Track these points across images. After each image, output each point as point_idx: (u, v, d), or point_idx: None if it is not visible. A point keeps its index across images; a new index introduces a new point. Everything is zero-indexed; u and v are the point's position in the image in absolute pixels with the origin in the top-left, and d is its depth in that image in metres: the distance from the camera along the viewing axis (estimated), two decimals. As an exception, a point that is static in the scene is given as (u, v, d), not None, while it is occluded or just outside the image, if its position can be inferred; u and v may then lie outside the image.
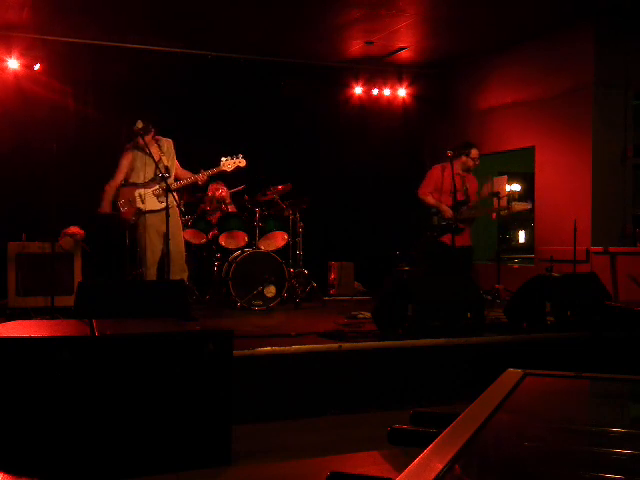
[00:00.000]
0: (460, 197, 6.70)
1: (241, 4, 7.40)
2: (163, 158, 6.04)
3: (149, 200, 6.14)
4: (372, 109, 9.94)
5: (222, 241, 7.48)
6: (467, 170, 6.88)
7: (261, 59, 9.11)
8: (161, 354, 3.50)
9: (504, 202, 7.07)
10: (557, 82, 8.14)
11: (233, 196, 8.08)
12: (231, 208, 7.91)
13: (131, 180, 6.20)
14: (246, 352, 4.41)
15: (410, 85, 9.98)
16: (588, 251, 7.48)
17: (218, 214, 7.70)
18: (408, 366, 4.87)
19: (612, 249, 7.21)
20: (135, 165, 6.19)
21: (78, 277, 6.83)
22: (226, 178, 7.51)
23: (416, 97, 10.00)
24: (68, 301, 6.16)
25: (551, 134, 8.26)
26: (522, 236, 11.74)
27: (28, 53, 8.03)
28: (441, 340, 5.00)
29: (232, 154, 6.41)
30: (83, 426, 3.29)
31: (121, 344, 3.46)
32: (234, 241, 7.51)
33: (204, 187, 7.71)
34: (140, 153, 6.19)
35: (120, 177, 6.22)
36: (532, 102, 8.51)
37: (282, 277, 7.20)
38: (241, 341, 4.48)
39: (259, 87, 9.08)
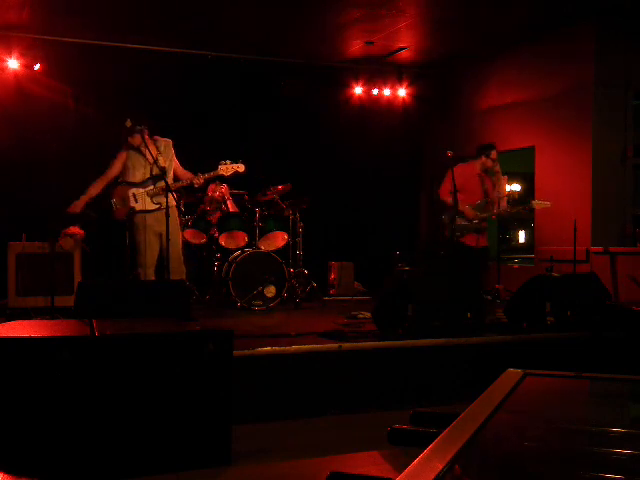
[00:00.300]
0: (480, 197, 6.71)
1: (241, 4, 7.40)
2: (160, 158, 6.03)
3: (143, 200, 6.15)
4: (372, 109, 9.94)
5: (222, 241, 7.48)
6: (486, 171, 6.88)
7: (261, 59, 9.11)
8: (161, 354, 3.50)
9: (504, 202, 7.07)
10: (557, 82, 8.14)
11: (233, 196, 8.08)
12: (232, 208, 7.90)
13: (127, 179, 6.21)
14: (246, 352, 4.41)
15: (410, 85, 9.98)
16: (588, 251, 7.48)
17: (218, 214, 7.70)
18: (408, 366, 4.86)
19: (612, 249, 7.20)
20: (129, 165, 6.20)
21: (78, 277, 6.83)
22: (227, 179, 7.50)
23: (416, 97, 10.00)
24: (68, 301, 6.16)
25: (551, 134, 8.26)
26: (522, 236, 11.75)
27: (28, 53, 8.04)
28: (441, 340, 5.00)
29: (231, 155, 6.40)
30: (83, 426, 3.29)
31: (121, 344, 3.46)
32: (234, 241, 7.51)
33: (204, 187, 7.72)
34: (135, 153, 6.20)
35: (108, 176, 6.22)
36: (532, 102, 8.50)
37: (282, 277, 7.20)
38: (241, 341, 4.48)
39: (259, 87, 9.08)
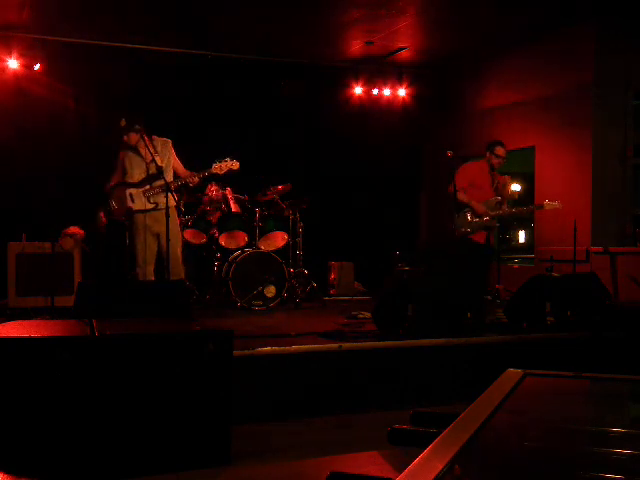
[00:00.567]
0: (491, 195, 6.70)
1: (241, 4, 7.39)
2: (157, 158, 6.03)
3: (139, 200, 6.15)
4: (372, 109, 9.94)
5: (222, 241, 7.48)
6: (492, 168, 6.83)
7: (261, 59, 9.11)
8: (161, 354, 3.50)
9: (505, 203, 7.05)
10: (557, 82, 8.14)
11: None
12: (235, 209, 7.90)
13: (125, 179, 6.22)
14: (246, 352, 4.41)
15: (410, 85, 9.97)
16: (588, 251, 7.47)
17: (218, 214, 7.70)
18: (408, 366, 4.86)
19: (612, 249, 7.20)
20: (127, 164, 6.21)
21: (78, 277, 6.83)
22: (226, 179, 7.50)
23: (416, 97, 9.99)
24: (68, 301, 6.16)
25: (551, 134, 8.26)
26: (522, 236, 11.75)
27: (28, 53, 8.03)
28: (441, 340, 5.00)
29: (231, 155, 6.40)
30: (83, 426, 3.29)
31: (121, 344, 3.46)
32: (234, 241, 7.51)
33: (202, 187, 7.72)
34: (132, 153, 6.21)
35: (114, 178, 6.26)
36: (532, 102, 8.50)
37: (282, 277, 7.20)
38: (241, 341, 4.48)
39: (259, 87, 9.08)
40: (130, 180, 6.19)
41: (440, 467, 1.25)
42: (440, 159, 7.20)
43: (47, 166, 8.03)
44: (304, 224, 8.01)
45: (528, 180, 9.89)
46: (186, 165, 6.47)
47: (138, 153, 6.18)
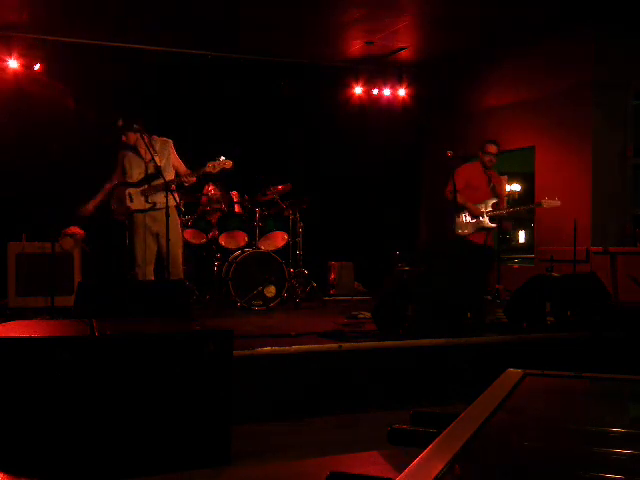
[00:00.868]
0: (488, 195, 6.69)
1: (241, 4, 7.40)
2: (156, 158, 6.03)
3: (137, 199, 6.15)
4: (372, 109, 9.94)
5: (222, 241, 7.49)
6: (485, 167, 6.82)
7: (261, 59, 9.11)
8: (161, 354, 3.50)
9: (504, 203, 7.07)
10: (557, 82, 8.13)
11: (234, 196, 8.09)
12: (237, 208, 7.91)
13: (125, 179, 6.22)
14: (246, 352, 4.41)
15: (410, 85, 9.97)
16: (588, 251, 7.47)
17: (218, 214, 7.70)
18: (408, 366, 4.86)
19: (612, 249, 7.20)
20: (127, 164, 6.21)
21: (78, 277, 6.83)
22: (227, 179, 7.50)
23: (416, 97, 10.00)
24: (68, 301, 6.16)
25: (551, 134, 8.26)
26: (522, 236, 11.74)
27: (28, 53, 8.04)
28: (441, 340, 5.00)
29: (231, 155, 6.40)
30: (83, 426, 3.29)
31: (121, 344, 3.46)
32: (234, 241, 7.51)
33: (201, 187, 7.74)
34: (131, 152, 6.21)
35: (115, 178, 6.26)
36: (532, 102, 8.50)
37: (282, 277, 7.20)
38: (241, 341, 4.48)
39: (259, 87, 9.08)
40: (129, 180, 6.19)
41: (440, 467, 1.25)
42: (440, 159, 7.19)
43: (47, 166, 8.03)
44: (304, 224, 8.01)
45: (528, 180, 9.89)
46: (186, 165, 6.47)
47: (137, 153, 6.18)
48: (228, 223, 7.51)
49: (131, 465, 3.35)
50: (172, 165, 6.26)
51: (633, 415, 1.82)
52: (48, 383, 3.26)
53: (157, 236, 6.11)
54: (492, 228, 6.75)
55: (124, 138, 6.14)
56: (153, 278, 6.20)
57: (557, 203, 6.83)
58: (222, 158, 6.20)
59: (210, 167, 6.20)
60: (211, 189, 7.91)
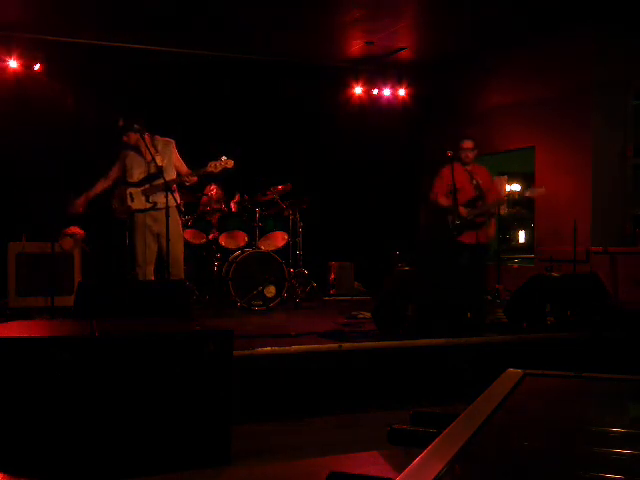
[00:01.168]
0: (472, 193, 6.66)
1: (241, 4, 7.40)
2: (157, 158, 6.04)
3: (138, 199, 6.15)
4: (372, 109, 9.94)
5: (222, 241, 7.49)
6: (463, 163, 6.76)
7: (261, 59, 9.11)
8: (161, 354, 3.50)
9: (492, 198, 7.01)
10: (557, 82, 8.13)
11: (233, 197, 8.08)
12: (233, 207, 7.91)
13: (126, 179, 6.22)
14: (246, 352, 4.41)
15: (410, 85, 9.97)
16: (588, 251, 7.47)
17: (218, 214, 7.71)
18: (408, 366, 4.86)
19: (612, 249, 7.20)
20: (128, 164, 6.21)
21: (78, 277, 6.83)
22: (226, 179, 7.50)
23: (416, 97, 10.00)
24: (68, 301, 6.16)
25: (551, 134, 8.26)
26: (522, 236, 11.73)
27: (28, 53, 8.04)
28: (441, 340, 5.00)
29: (231, 155, 6.40)
30: (83, 426, 3.29)
31: (121, 344, 3.46)
32: (234, 241, 7.51)
33: (202, 187, 7.73)
34: (133, 152, 6.22)
35: (108, 177, 6.29)
36: (532, 102, 8.50)
37: (282, 277, 7.20)
38: (241, 341, 4.48)
39: (259, 87, 9.08)
40: (130, 180, 6.20)
41: (440, 467, 1.25)
42: (440, 159, 7.18)
43: (47, 166, 8.03)
44: (304, 224, 8.01)
45: (528, 180, 9.88)
46: (188, 165, 6.47)
47: (139, 153, 6.19)
48: (228, 223, 7.51)
49: (131, 465, 3.35)
50: (173, 165, 6.26)
51: (633, 415, 1.82)
52: (48, 383, 3.26)
53: (158, 236, 6.11)
54: (480, 225, 6.64)
55: (125, 138, 6.15)
56: (153, 278, 6.20)
57: (542, 190, 6.79)
58: (224, 158, 6.19)
59: (212, 167, 6.20)
60: (213, 189, 7.91)
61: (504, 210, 6.98)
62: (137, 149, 6.18)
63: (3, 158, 7.92)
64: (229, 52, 8.87)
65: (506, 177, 7.50)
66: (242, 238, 7.47)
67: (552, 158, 8.27)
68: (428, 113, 10.12)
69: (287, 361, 4.55)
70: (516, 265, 9.49)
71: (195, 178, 6.33)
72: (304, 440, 4.01)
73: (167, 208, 5.67)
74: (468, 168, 6.69)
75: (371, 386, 4.73)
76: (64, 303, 6.28)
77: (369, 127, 9.80)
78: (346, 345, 4.80)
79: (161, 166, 5.96)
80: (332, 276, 8.87)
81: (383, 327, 5.29)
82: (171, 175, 6.15)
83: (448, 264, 6.55)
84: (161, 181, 5.87)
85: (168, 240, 5.72)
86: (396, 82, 9.95)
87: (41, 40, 8.11)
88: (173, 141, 6.36)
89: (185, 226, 7.30)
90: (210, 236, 7.62)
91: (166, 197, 5.69)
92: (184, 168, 6.34)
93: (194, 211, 7.68)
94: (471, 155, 6.69)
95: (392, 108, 10.02)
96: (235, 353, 3.73)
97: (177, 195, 6.14)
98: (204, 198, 7.79)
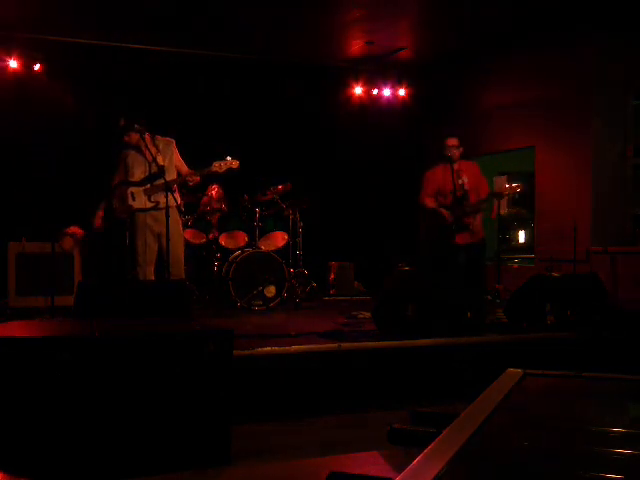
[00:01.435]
0: (457, 193, 6.61)
1: (241, 4, 7.40)
2: (158, 157, 6.04)
3: (139, 198, 6.15)
4: (372, 109, 9.93)
5: (222, 241, 7.49)
6: (450, 161, 6.65)
7: (261, 59, 9.11)
8: (161, 354, 3.50)
9: (504, 202, 7.02)
10: (557, 82, 8.13)
11: (233, 197, 8.08)
12: (224, 207, 7.91)
13: (127, 178, 6.22)
14: (246, 352, 4.41)
15: (410, 85, 9.97)
16: (588, 251, 7.47)
17: (218, 214, 7.71)
18: (408, 366, 4.86)
19: (612, 249, 7.20)
20: (129, 164, 6.22)
21: (78, 277, 6.83)
22: (226, 179, 7.50)
23: (416, 97, 9.99)
24: (68, 301, 6.15)
25: (551, 134, 8.26)
26: (522, 236, 11.73)
27: (28, 53, 8.03)
28: (441, 340, 5.00)
29: (231, 155, 6.40)
30: (83, 426, 3.29)
31: (121, 344, 3.46)
32: (234, 241, 7.51)
33: (204, 187, 7.72)
34: (134, 152, 6.22)
35: (117, 177, 6.28)
36: (532, 102, 8.50)
37: (282, 277, 7.20)
38: (241, 341, 4.48)
39: (259, 87, 9.08)
40: (132, 179, 6.20)
41: (440, 467, 1.25)
42: (440, 159, 7.17)
43: (47, 166, 8.03)
44: (304, 224, 8.01)
45: (528, 180, 9.88)
46: (187, 165, 6.47)
47: (140, 152, 6.19)
48: (228, 223, 7.52)
49: (131, 465, 3.35)
50: (174, 165, 6.27)
51: (633, 415, 1.82)
52: (48, 383, 3.26)
53: (158, 236, 6.11)
54: (467, 225, 6.55)
55: (126, 138, 6.15)
56: (153, 278, 6.20)
57: (516, 188, 6.72)
58: (229, 158, 6.19)
59: (216, 167, 6.20)
60: (214, 189, 7.90)
61: (504, 210, 6.95)
62: (138, 149, 6.18)
63: (3, 158, 7.92)
64: (229, 52, 8.87)
65: (506, 177, 7.48)
66: (242, 238, 7.48)
67: (552, 158, 8.27)
68: (428, 113, 10.11)
69: (287, 361, 4.55)
70: (516, 265, 9.49)
71: (198, 178, 6.32)
72: (304, 440, 4.01)
73: (167, 208, 5.67)
74: (455, 166, 6.58)
75: (371, 386, 4.73)
76: (64, 303, 6.28)
77: (369, 127, 9.79)
78: (346, 345, 4.80)
79: (162, 166, 5.97)
80: (332, 276, 8.87)
81: (383, 327, 5.29)
82: (172, 175, 6.15)
83: (448, 264, 6.55)
84: (162, 181, 5.87)
85: (168, 240, 5.71)
86: (396, 82, 9.95)
87: (41, 40, 8.10)
88: (174, 141, 6.36)
89: (185, 226, 7.30)
90: (210, 236, 7.62)
91: (166, 197, 5.69)
92: (185, 168, 6.34)
93: (194, 211, 7.68)
94: (457, 152, 6.59)
95: (392, 108, 10.01)
96: (235, 353, 3.73)
97: (177, 195, 6.14)
98: (204, 198, 7.79)
